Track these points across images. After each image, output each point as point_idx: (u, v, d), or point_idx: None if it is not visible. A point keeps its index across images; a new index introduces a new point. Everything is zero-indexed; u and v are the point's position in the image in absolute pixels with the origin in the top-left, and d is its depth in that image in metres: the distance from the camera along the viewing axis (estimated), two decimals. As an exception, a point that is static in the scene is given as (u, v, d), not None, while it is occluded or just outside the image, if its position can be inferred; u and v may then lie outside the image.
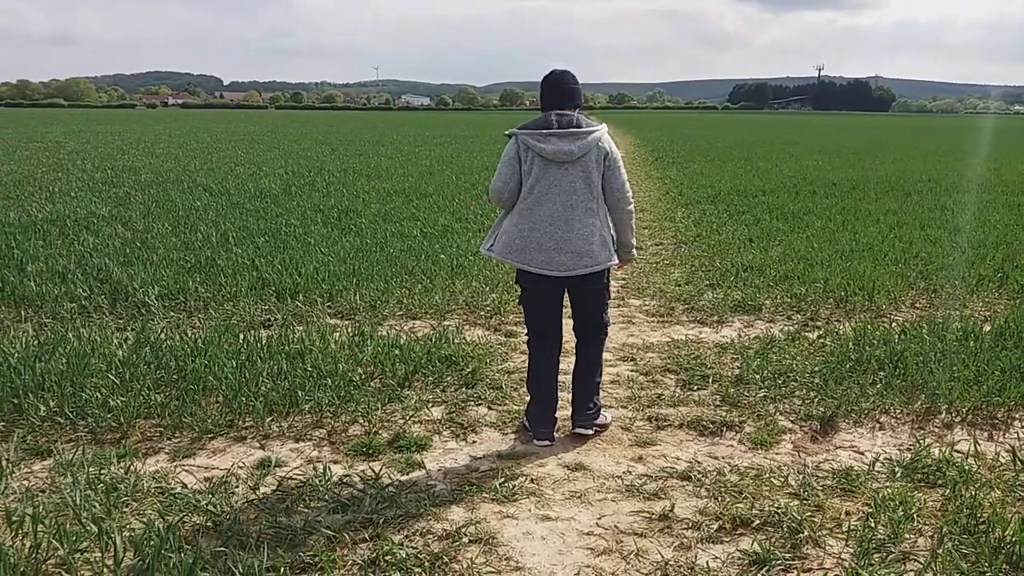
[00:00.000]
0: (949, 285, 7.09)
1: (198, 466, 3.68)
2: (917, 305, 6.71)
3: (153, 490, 3.39)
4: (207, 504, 3.24)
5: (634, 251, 4.14)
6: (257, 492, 3.40)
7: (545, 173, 3.78)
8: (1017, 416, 4.36)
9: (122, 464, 3.61)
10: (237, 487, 3.44)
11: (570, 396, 4.14)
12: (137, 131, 37.94)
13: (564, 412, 4.14)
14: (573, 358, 4.17)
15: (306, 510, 3.25)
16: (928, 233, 9.71)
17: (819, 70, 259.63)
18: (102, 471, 3.52)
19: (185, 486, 3.42)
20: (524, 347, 5.42)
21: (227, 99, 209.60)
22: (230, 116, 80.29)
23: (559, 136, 3.77)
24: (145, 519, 3.09)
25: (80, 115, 73.78)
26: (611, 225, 3.96)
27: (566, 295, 4.02)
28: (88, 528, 3.00)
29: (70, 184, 14.02)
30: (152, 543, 2.88)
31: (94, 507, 3.17)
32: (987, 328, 5.66)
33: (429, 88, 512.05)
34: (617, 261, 3.99)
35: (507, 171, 3.85)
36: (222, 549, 2.89)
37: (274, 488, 3.44)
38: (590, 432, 4.02)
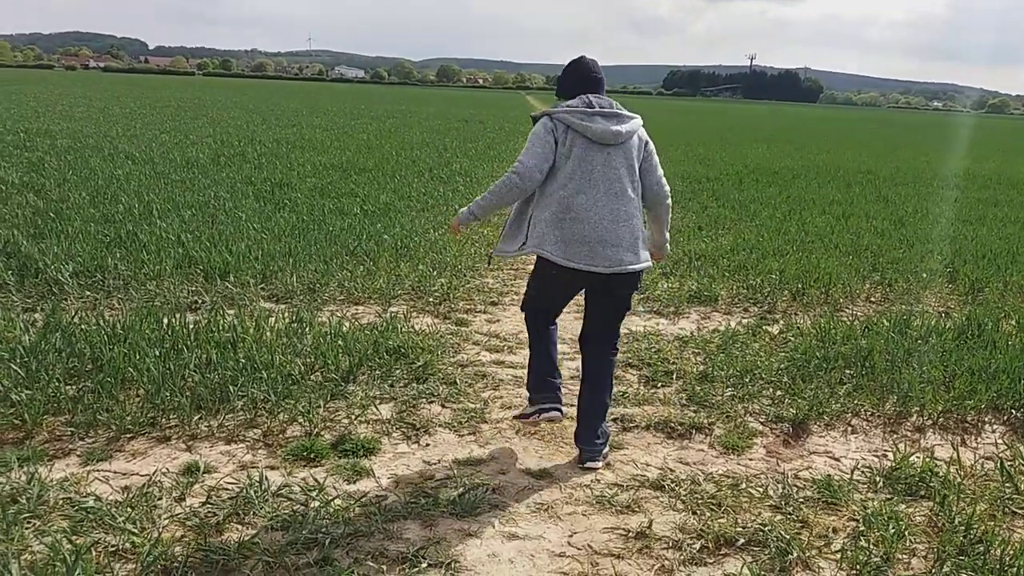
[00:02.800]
0: (903, 280, 7.00)
1: (115, 472, 3.24)
2: (872, 299, 6.61)
3: (61, 503, 2.94)
4: (124, 521, 2.81)
5: (668, 247, 3.86)
6: (183, 505, 2.99)
7: (587, 157, 3.39)
8: (987, 420, 4.23)
9: (25, 470, 3.14)
10: (160, 499, 3.02)
11: (575, 417, 3.63)
12: (55, 93, 35.96)
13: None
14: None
15: (240, 527, 2.86)
16: (875, 225, 9.70)
17: (751, 59, 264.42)
18: (0, 479, 3.06)
19: (99, 498, 2.98)
20: (478, 338, 5.13)
21: (152, 64, 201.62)
22: (155, 82, 77.19)
23: (605, 116, 3.41)
24: (51, 540, 2.65)
25: (-8, 74, 69.91)
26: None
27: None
28: (-21, 553, 2.56)
29: (-23, 147, 13.02)
30: (58, 571, 2.46)
31: (-11, 524, 2.72)
32: (948, 325, 5.56)
33: (364, 60, 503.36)
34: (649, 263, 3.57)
35: (544, 149, 3.38)
36: (142, 578, 2.49)
37: (203, 500, 3.03)
38: (599, 465, 3.49)
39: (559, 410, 3.54)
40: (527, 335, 3.71)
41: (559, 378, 3.63)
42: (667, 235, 3.78)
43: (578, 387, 3.67)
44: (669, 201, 3.66)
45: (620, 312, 3.63)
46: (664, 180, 3.62)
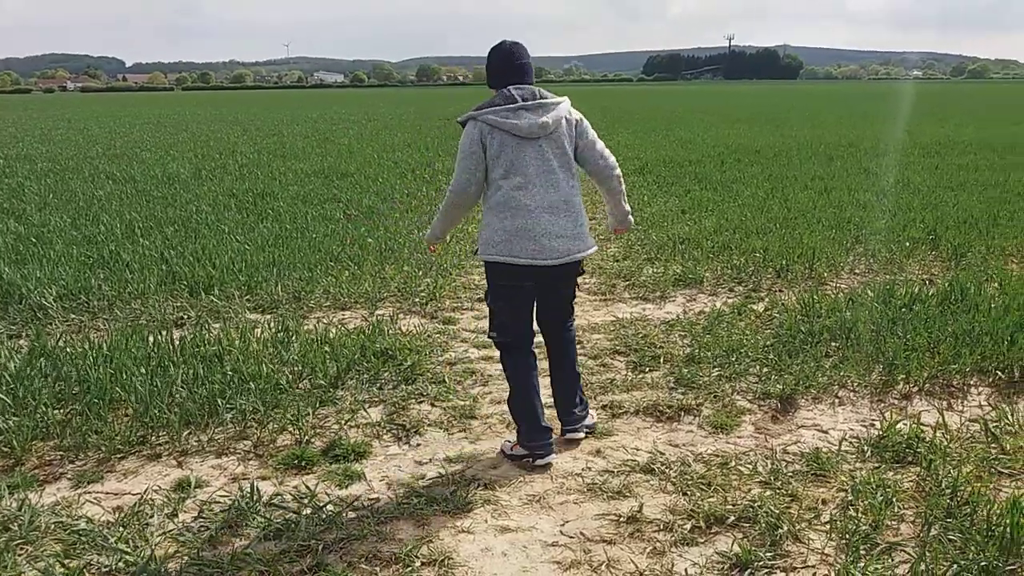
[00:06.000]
0: (885, 250, 7.03)
1: (106, 492, 3.24)
2: (856, 271, 6.64)
3: (53, 527, 2.94)
4: (117, 541, 2.82)
5: (631, 218, 3.80)
6: (176, 521, 3.00)
7: (519, 153, 3.34)
8: (972, 383, 4.26)
9: (15, 496, 3.15)
10: (152, 516, 3.02)
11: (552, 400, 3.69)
12: (33, 117, 35.79)
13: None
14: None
15: (234, 539, 2.87)
16: (857, 197, 9.74)
17: (729, 40, 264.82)
18: (-9, 507, 3.06)
19: (91, 520, 2.99)
20: (466, 335, 5.14)
21: (130, 82, 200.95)
22: (134, 99, 76.82)
23: (530, 109, 3.36)
24: (43, 565, 2.67)
25: (-31, 102, 69.45)
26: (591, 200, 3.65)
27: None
28: (-27, 581, 2.57)
29: (-44, 176, 12.95)
30: (51, 595, 2.47)
31: (-19, 553, 2.72)
32: (931, 291, 5.59)
33: (342, 65, 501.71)
34: (595, 247, 3.58)
35: (471, 162, 3.34)
36: (136, 596, 2.50)
37: (195, 515, 3.04)
38: (581, 435, 3.63)
39: (552, 452, 3.46)
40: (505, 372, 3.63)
41: (544, 415, 3.52)
42: (626, 206, 3.73)
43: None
44: (618, 172, 3.62)
45: (570, 297, 3.66)
46: (607, 152, 3.58)
